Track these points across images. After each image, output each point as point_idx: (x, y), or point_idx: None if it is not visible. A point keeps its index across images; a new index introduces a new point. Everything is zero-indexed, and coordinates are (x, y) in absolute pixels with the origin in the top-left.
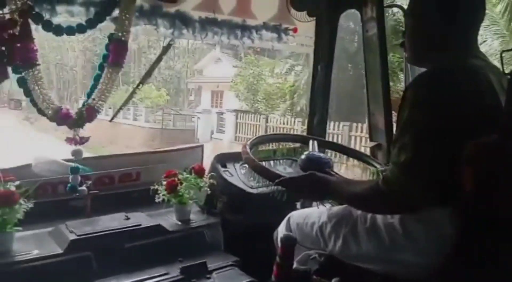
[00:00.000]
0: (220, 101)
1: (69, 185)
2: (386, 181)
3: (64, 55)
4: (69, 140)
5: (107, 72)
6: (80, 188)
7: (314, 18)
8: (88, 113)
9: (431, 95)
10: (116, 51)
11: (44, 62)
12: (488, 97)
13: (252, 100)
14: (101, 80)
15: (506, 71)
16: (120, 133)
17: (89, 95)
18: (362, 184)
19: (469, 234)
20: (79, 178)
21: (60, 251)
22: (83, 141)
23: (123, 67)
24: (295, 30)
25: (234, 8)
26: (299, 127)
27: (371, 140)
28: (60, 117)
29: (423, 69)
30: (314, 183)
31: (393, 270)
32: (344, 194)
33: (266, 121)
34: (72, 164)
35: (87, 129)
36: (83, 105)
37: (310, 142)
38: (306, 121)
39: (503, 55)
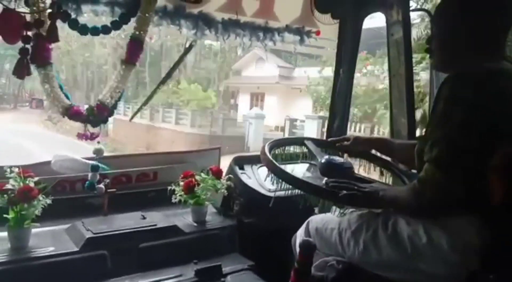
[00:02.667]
0: (261, 104)
1: (87, 182)
2: (421, 180)
3: (94, 53)
4: (80, 135)
5: (119, 69)
6: (97, 186)
7: (338, 21)
8: (99, 111)
9: (466, 91)
10: (131, 49)
11: (72, 60)
12: None
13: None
14: (113, 78)
15: None
16: (160, 139)
17: None
18: (402, 190)
19: (498, 246)
20: (98, 176)
21: (75, 248)
22: (93, 136)
23: (135, 65)
24: (318, 33)
25: (257, 10)
26: None
27: None
28: (71, 114)
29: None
30: (374, 194)
31: (414, 280)
32: (390, 201)
33: (371, 131)
34: (92, 162)
35: (120, 135)
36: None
37: (306, 142)
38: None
39: None
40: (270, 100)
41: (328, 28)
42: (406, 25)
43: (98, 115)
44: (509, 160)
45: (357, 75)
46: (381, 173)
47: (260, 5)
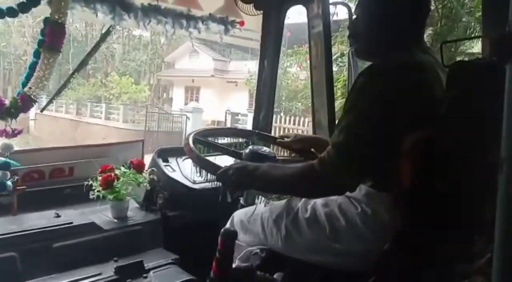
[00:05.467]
0: (196, 98)
1: None
2: (321, 161)
3: (11, 42)
4: (0, 132)
5: (43, 57)
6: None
7: (261, 12)
8: (24, 103)
9: (374, 85)
10: (52, 34)
11: None
12: (432, 92)
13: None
14: (37, 67)
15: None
16: (89, 136)
17: (24, 85)
18: (294, 167)
19: (406, 224)
20: (8, 174)
21: None
22: (16, 132)
23: (60, 51)
24: (241, 23)
25: None
26: None
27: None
28: None
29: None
30: (244, 169)
31: (333, 261)
32: (275, 177)
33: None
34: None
35: (44, 131)
36: (18, 93)
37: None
38: None
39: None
40: (206, 94)
41: (253, 20)
42: (326, 18)
43: (23, 108)
44: (417, 145)
45: (297, 69)
46: None
47: None
